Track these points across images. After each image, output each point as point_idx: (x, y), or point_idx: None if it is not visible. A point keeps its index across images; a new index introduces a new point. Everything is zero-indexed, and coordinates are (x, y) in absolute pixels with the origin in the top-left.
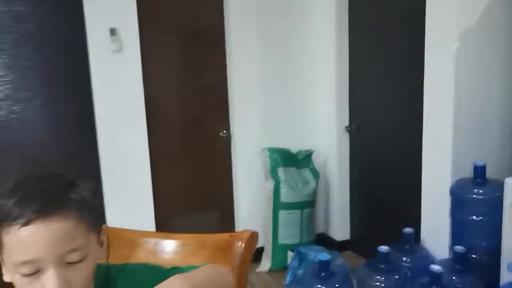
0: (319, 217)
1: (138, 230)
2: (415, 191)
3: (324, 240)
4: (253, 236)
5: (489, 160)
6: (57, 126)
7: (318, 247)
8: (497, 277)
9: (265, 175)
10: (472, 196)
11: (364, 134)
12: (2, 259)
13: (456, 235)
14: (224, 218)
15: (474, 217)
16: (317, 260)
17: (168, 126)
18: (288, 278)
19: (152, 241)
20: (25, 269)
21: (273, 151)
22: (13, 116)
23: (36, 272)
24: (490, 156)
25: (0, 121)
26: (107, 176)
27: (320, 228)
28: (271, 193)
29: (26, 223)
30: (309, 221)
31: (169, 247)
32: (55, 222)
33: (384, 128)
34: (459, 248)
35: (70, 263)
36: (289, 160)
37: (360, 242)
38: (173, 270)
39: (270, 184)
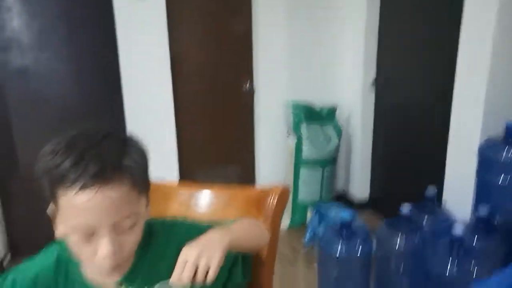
0: (340, 175)
1: (170, 182)
2: (440, 151)
3: (343, 198)
4: (285, 191)
5: None
6: (83, 77)
7: (338, 205)
8: None
9: (288, 131)
10: (501, 156)
11: (391, 89)
12: (56, 216)
13: (480, 197)
14: (245, 174)
15: (502, 178)
16: (337, 218)
17: (192, 78)
18: (307, 235)
19: (184, 193)
20: (81, 233)
21: (296, 106)
22: (39, 65)
23: (90, 235)
24: None
25: (27, 69)
26: (132, 127)
27: (339, 186)
28: (293, 150)
29: (82, 188)
30: (330, 179)
31: (200, 200)
32: (110, 189)
33: (412, 83)
34: (483, 210)
35: (122, 228)
36: (313, 116)
37: (380, 201)
38: (211, 225)
39: (292, 141)
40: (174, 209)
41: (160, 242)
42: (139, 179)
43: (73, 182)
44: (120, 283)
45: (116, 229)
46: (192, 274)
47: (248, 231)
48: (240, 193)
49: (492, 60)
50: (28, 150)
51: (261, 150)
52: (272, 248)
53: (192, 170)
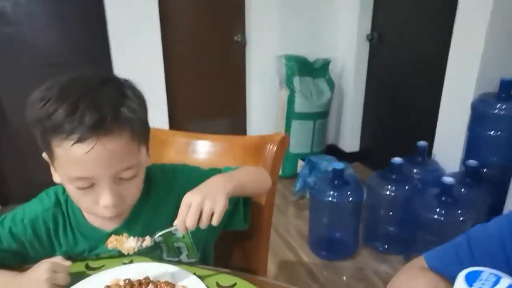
0: (331, 128)
1: (168, 130)
2: (432, 107)
3: (333, 151)
4: (285, 139)
5: None
6: (67, 22)
7: (329, 157)
8: (505, 192)
9: (280, 84)
10: (494, 111)
11: (386, 43)
12: (52, 165)
13: (470, 150)
14: (236, 127)
15: (492, 132)
16: (327, 169)
17: (182, 28)
18: (298, 185)
19: (181, 141)
20: (80, 183)
21: (289, 58)
22: (19, 9)
23: (90, 186)
24: None
25: (6, 13)
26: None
27: (330, 139)
28: (285, 103)
29: (79, 140)
30: (321, 132)
31: (198, 148)
32: (110, 141)
33: (408, 38)
34: (472, 162)
35: (123, 179)
36: (306, 69)
37: (369, 154)
38: (212, 171)
39: (285, 93)
40: (171, 157)
41: (160, 188)
42: (139, 129)
43: (69, 133)
44: (120, 231)
45: (117, 180)
46: (196, 217)
47: (251, 177)
48: (238, 141)
49: (491, 16)
50: (12, 98)
51: (252, 102)
52: (270, 195)
53: (182, 124)
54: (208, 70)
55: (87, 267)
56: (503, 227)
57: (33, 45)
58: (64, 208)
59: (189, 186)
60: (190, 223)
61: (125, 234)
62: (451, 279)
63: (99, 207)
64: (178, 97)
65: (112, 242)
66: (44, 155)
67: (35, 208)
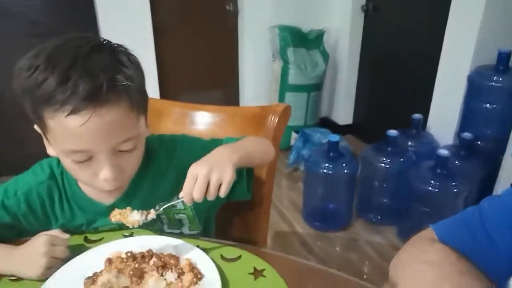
0: (324, 100)
1: (165, 100)
2: (427, 79)
3: (326, 123)
4: (287, 110)
5: None
6: None
7: (323, 129)
8: (498, 164)
9: (273, 55)
10: (490, 83)
11: (381, 14)
12: (46, 137)
13: (465, 122)
14: (228, 98)
15: (488, 105)
16: (321, 141)
17: None
18: (291, 157)
19: (179, 111)
20: (76, 157)
21: (283, 29)
22: None
23: (87, 159)
24: None
25: None
26: None
27: (323, 112)
28: (279, 74)
29: (74, 112)
30: (315, 104)
31: (196, 118)
32: (106, 112)
33: (404, 8)
34: (467, 134)
35: (122, 152)
36: (300, 40)
37: (362, 127)
38: (214, 142)
39: (278, 65)
40: (168, 128)
41: (160, 160)
42: (137, 98)
43: (62, 104)
44: (119, 204)
45: (116, 153)
46: (204, 189)
47: (256, 147)
48: (237, 112)
49: None
50: None
51: (245, 74)
52: (271, 167)
53: (173, 95)
54: (199, 40)
55: (86, 239)
56: None
57: (17, 14)
58: (59, 181)
59: (190, 157)
60: (198, 195)
61: (128, 208)
62: (461, 251)
63: (98, 180)
64: (169, 68)
65: (116, 216)
66: (36, 127)
67: (29, 180)
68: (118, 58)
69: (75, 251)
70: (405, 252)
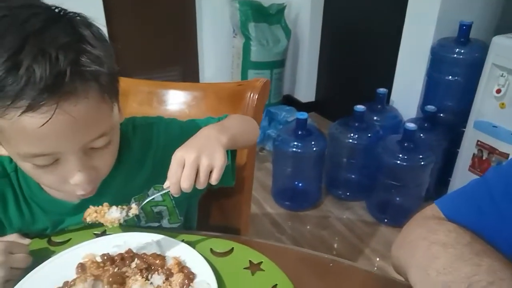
0: (286, 77)
1: (128, 78)
2: (388, 53)
3: (289, 101)
4: (267, 85)
5: (475, 20)
6: None
7: (288, 107)
8: (459, 135)
9: (234, 31)
10: (452, 55)
11: None
12: None
13: (428, 95)
14: (187, 76)
15: (450, 77)
16: (287, 119)
17: None
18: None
19: (145, 90)
20: (39, 161)
21: (243, 3)
22: None
23: (53, 163)
24: (476, 17)
25: None
26: None
27: (286, 90)
28: (240, 51)
29: (31, 108)
30: (278, 82)
31: (167, 97)
32: (73, 105)
33: None
34: (430, 107)
35: (94, 149)
36: (261, 15)
37: (325, 103)
38: (194, 123)
39: (239, 41)
40: (133, 109)
41: (134, 149)
42: (109, 83)
43: (14, 98)
44: (89, 201)
45: (87, 151)
46: (193, 177)
47: (243, 127)
48: (210, 89)
49: None
50: None
51: (204, 51)
52: (252, 149)
53: (128, 74)
54: (154, 16)
55: (50, 242)
56: None
57: None
58: (13, 180)
59: (168, 143)
60: (186, 184)
61: (105, 204)
62: (471, 227)
63: (68, 185)
64: (123, 46)
65: (91, 215)
66: None
67: None
68: (78, 32)
69: (39, 257)
70: (412, 232)
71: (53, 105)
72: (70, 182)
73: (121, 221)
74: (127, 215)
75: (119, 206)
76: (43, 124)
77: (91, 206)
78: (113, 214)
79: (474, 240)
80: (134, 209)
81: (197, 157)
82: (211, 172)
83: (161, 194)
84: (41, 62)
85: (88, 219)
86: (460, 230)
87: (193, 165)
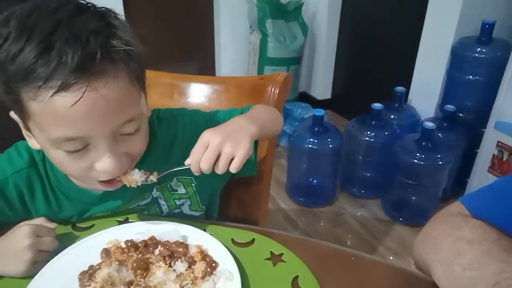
0: (303, 74)
1: (149, 70)
2: (407, 52)
3: (304, 98)
4: (288, 79)
5: (498, 19)
6: None
7: (303, 104)
8: (479, 135)
9: (251, 27)
10: (474, 54)
11: None
12: (26, 127)
13: (448, 95)
14: (204, 72)
15: (471, 76)
16: (303, 116)
17: None
18: None
19: (166, 82)
20: (70, 146)
21: (261, 0)
22: None
23: (83, 148)
24: (499, 15)
25: None
26: None
27: (302, 87)
28: (257, 47)
29: (62, 87)
30: (294, 79)
31: (188, 90)
32: (103, 85)
33: None
34: (450, 107)
35: (124, 135)
36: (278, 12)
37: (341, 101)
38: (218, 114)
39: (257, 37)
40: (154, 101)
41: (160, 141)
42: (137, 68)
43: (46, 79)
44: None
45: (117, 138)
46: (213, 160)
47: (269, 118)
48: (231, 82)
49: None
50: None
51: (221, 47)
52: (272, 141)
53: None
54: (173, 11)
55: (74, 227)
56: None
57: None
58: (41, 169)
59: (193, 134)
60: (205, 165)
61: (131, 166)
62: (497, 225)
63: (94, 172)
64: (141, 40)
65: None
66: (12, 114)
67: (4, 168)
68: (107, 21)
69: (64, 241)
70: (436, 228)
71: (84, 84)
72: (97, 168)
73: (139, 183)
74: (146, 179)
75: (142, 171)
76: (75, 103)
77: None
78: (134, 176)
79: (501, 237)
80: (154, 175)
81: (221, 143)
82: (232, 160)
83: (183, 169)
84: (73, 44)
85: None
86: (486, 227)
87: (215, 149)
